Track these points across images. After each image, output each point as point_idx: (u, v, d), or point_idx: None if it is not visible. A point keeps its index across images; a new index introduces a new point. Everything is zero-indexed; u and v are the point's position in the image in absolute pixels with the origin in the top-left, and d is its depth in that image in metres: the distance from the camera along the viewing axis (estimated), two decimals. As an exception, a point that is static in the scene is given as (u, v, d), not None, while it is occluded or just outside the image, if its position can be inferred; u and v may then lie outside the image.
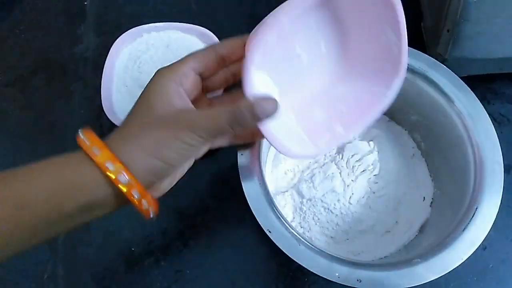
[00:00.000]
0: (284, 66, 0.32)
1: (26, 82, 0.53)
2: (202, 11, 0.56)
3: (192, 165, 0.47)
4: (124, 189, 0.26)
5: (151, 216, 0.29)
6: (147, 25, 0.50)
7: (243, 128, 0.28)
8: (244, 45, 0.30)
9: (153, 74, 0.30)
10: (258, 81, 0.30)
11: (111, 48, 0.48)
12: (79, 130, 0.27)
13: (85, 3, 0.58)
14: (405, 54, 0.32)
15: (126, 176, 0.26)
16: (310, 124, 0.34)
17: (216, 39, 0.48)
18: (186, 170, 0.33)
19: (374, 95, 0.33)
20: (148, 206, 0.28)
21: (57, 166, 0.26)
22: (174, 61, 0.36)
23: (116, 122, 0.45)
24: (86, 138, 0.27)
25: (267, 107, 0.28)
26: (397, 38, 0.32)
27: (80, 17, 0.56)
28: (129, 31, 0.49)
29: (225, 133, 0.28)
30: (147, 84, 0.29)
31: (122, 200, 0.27)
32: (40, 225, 0.26)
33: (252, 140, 0.36)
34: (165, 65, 0.30)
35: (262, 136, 0.31)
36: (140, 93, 0.30)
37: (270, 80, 0.32)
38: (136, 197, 0.27)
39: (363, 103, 0.34)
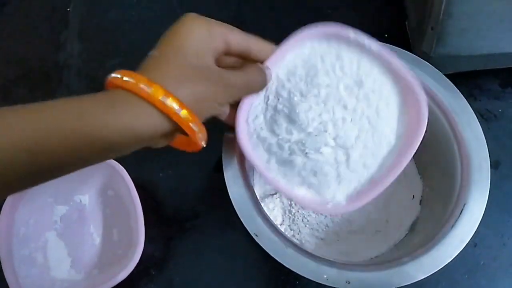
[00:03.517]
0: None
1: (9, 90, 0.52)
2: (187, 15, 0.55)
3: (180, 171, 0.46)
4: (183, 121, 0.25)
5: (203, 145, 0.28)
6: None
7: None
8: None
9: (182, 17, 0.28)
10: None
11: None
12: (111, 73, 0.26)
13: (68, 9, 0.57)
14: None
15: (182, 109, 0.25)
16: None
17: None
18: None
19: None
20: (203, 136, 0.27)
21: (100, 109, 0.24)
22: None
23: None
24: (126, 76, 0.25)
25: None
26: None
27: (63, 23, 0.56)
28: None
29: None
30: (177, 26, 0.27)
31: (172, 134, 0.26)
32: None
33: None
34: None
35: None
36: None
37: None
38: (195, 129, 0.26)
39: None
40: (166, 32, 0.28)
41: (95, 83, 0.52)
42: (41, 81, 0.53)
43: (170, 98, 0.24)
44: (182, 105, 0.25)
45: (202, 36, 0.27)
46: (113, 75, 0.25)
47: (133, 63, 0.57)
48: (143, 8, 0.56)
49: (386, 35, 0.52)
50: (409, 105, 0.32)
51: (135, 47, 0.54)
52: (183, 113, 0.25)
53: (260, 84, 0.30)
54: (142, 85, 0.24)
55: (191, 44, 0.27)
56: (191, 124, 0.26)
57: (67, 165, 0.25)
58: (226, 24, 0.29)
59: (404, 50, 0.39)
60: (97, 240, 0.43)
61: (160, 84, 0.25)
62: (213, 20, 0.28)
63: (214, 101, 0.27)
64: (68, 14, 0.57)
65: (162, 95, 0.24)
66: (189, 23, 0.27)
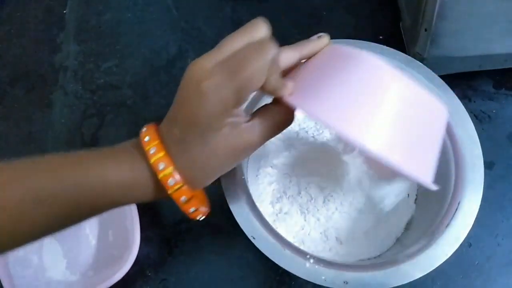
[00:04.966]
0: None
1: (5, 92, 0.52)
2: (183, 16, 0.55)
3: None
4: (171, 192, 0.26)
5: (198, 218, 0.29)
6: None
7: None
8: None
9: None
10: None
11: None
12: (144, 129, 0.27)
13: (64, 11, 0.57)
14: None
15: (176, 179, 0.26)
16: None
17: None
18: None
19: None
20: (194, 210, 0.28)
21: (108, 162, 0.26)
22: None
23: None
24: (147, 134, 0.26)
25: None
26: None
27: (59, 25, 0.56)
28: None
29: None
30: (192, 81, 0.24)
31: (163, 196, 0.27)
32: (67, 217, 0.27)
33: None
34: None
35: None
36: None
37: None
38: (183, 200, 0.27)
39: None
40: (185, 90, 0.25)
41: (91, 85, 0.52)
42: (37, 83, 0.53)
43: (169, 165, 0.26)
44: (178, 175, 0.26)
45: (216, 105, 0.24)
46: (144, 136, 0.26)
47: (129, 65, 0.57)
48: (139, 10, 0.57)
49: (380, 37, 0.52)
50: None
51: (131, 49, 0.54)
52: (172, 181, 0.26)
53: (286, 125, 0.28)
54: (152, 148, 0.26)
55: (208, 105, 0.24)
56: (181, 198, 0.27)
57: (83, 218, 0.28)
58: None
59: (398, 52, 0.40)
60: (93, 241, 0.43)
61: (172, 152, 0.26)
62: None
63: (237, 162, 0.28)
64: (64, 16, 0.57)
65: (161, 161, 0.26)
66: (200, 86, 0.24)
